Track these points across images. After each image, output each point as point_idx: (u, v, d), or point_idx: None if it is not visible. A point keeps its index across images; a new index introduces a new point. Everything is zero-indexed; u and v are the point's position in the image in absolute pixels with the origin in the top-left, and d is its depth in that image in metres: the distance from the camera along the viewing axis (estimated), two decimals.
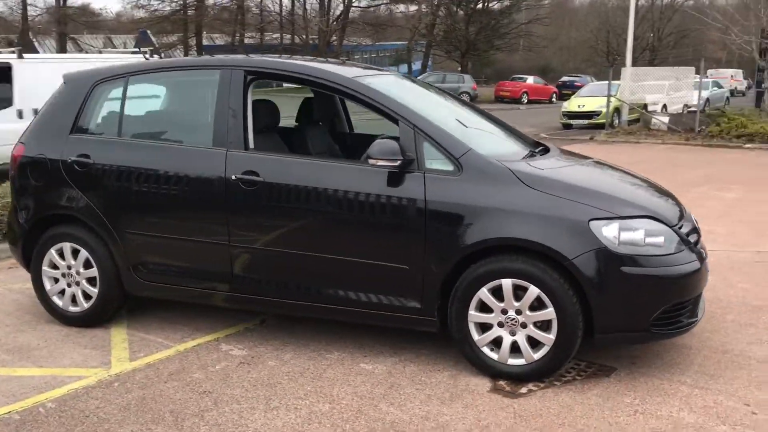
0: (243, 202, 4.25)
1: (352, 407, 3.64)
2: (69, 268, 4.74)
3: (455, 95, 5.45)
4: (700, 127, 19.58)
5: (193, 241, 4.41)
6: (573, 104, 24.69)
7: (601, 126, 21.73)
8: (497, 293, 3.84)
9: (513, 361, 3.88)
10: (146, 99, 4.89)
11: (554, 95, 39.48)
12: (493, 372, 3.92)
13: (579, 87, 41.51)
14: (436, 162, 3.99)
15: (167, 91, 4.88)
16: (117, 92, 4.77)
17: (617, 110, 22.59)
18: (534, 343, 3.84)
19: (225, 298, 4.46)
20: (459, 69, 43.53)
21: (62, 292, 4.81)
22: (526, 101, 37.67)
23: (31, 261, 4.85)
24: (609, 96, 21.18)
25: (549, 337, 3.78)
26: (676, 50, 56.73)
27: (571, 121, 24.23)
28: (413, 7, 40.13)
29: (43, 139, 4.83)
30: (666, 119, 20.31)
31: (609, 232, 3.71)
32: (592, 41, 54.98)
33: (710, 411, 3.56)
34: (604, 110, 22.28)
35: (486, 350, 3.92)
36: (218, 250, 4.35)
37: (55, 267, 4.79)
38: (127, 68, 4.81)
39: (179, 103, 4.99)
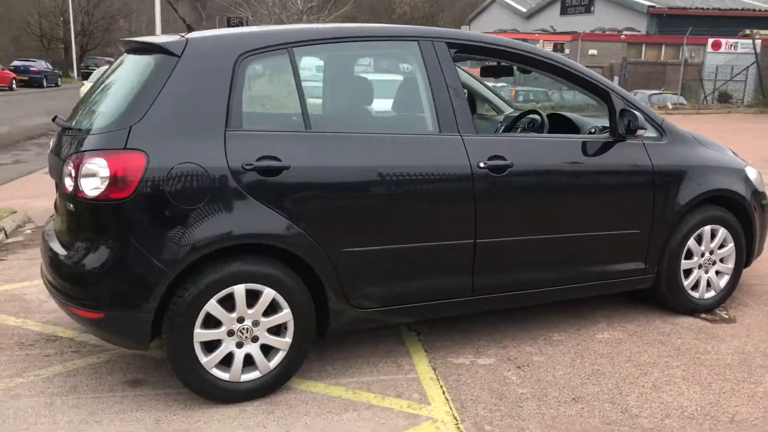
0: (492, 191, 3.75)
1: (687, 362, 3.84)
2: (240, 320, 3.32)
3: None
4: None
5: (430, 246, 3.66)
6: None
7: None
8: (697, 240, 4.44)
9: (707, 295, 4.57)
10: (324, 77, 3.64)
11: (14, 81, 35.68)
12: (692, 308, 4.52)
13: (35, 72, 38.72)
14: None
15: (349, 66, 3.72)
16: (282, 69, 3.47)
17: None
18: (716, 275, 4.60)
19: (464, 304, 3.85)
20: None
21: (226, 360, 3.35)
22: None
23: (169, 328, 3.20)
24: None
25: (729, 267, 4.60)
26: (108, 35, 57.06)
27: None
28: None
29: (181, 141, 3.19)
30: None
31: (751, 174, 4.69)
32: (23, 24, 50.96)
33: None
34: None
35: (689, 291, 4.49)
36: (461, 249, 3.74)
37: (219, 325, 3.29)
38: (285, 36, 3.48)
39: (374, 81, 3.83)
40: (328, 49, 3.66)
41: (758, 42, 29.21)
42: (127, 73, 3.66)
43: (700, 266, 4.50)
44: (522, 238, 3.89)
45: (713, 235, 4.49)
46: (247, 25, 27.82)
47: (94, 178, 3.12)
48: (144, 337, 3.22)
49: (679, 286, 4.43)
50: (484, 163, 3.71)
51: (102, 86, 3.87)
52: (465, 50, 3.92)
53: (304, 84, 3.45)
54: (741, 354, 3.97)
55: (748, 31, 31.30)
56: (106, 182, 3.09)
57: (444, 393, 3.50)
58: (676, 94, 27.47)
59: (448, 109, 3.70)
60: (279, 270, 3.35)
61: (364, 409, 3.34)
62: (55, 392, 3.48)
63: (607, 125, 4.33)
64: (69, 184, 3.23)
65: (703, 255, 4.49)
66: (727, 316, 4.53)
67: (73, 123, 3.69)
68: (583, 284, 4.16)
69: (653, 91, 27.88)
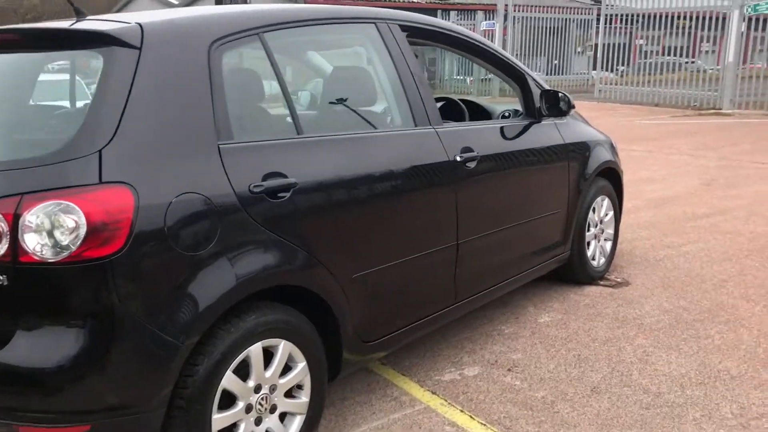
0: (467, 186, 3.43)
1: (638, 330, 3.97)
2: (257, 389, 2.56)
3: None
4: None
5: (426, 254, 3.22)
6: None
7: None
8: (592, 212, 4.63)
9: (601, 262, 4.79)
10: (299, 68, 2.84)
11: None
12: (592, 277, 4.70)
13: None
14: None
15: (320, 54, 2.95)
16: (258, 60, 2.68)
17: None
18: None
19: (448, 313, 3.49)
20: None
21: None
22: None
23: (185, 422, 2.32)
24: None
25: (611, 233, 4.89)
26: None
27: None
28: None
29: (170, 164, 2.29)
30: None
31: (615, 144, 4.99)
32: None
33: None
34: None
35: (591, 261, 4.67)
36: (446, 254, 3.37)
37: (235, 402, 2.48)
38: (252, 20, 2.66)
39: (347, 70, 3.02)
40: (300, 34, 2.93)
41: None
42: (23, 73, 2.55)
43: (595, 236, 4.70)
44: (487, 233, 3.64)
45: (600, 206, 4.72)
46: None
47: (51, 233, 2.10)
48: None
49: (586, 258, 4.58)
50: (460, 157, 3.37)
51: None
52: (415, 34, 3.46)
53: (285, 78, 2.74)
54: (667, 313, 4.23)
55: None
56: (79, 235, 2.09)
57: (473, 418, 3.12)
58: None
59: (417, 99, 3.27)
60: (293, 316, 2.65)
61: None
62: None
63: (508, 108, 4.28)
64: None
65: (596, 225, 4.69)
66: (620, 280, 4.81)
67: None
68: (528, 270, 4.09)
69: None
